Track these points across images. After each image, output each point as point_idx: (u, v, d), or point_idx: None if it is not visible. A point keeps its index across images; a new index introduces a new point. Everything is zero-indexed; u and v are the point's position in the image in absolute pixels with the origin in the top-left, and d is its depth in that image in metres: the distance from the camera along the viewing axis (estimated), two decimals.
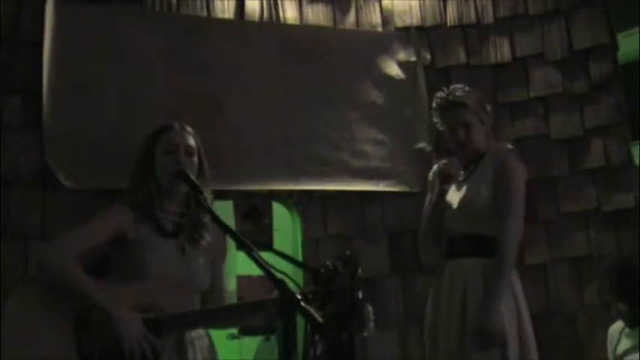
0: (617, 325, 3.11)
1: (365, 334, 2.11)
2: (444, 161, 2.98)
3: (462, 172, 2.93)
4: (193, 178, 2.19)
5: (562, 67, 4.11)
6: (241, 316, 2.28)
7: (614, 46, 4.02)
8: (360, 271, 2.10)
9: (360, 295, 2.05)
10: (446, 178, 2.86)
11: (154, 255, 2.19)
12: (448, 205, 2.87)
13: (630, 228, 3.78)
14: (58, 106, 3.45)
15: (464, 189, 2.84)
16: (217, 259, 2.37)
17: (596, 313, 3.65)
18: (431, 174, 3.02)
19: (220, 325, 2.40)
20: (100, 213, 2.27)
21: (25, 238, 3.30)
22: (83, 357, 2.07)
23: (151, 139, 2.31)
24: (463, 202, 2.81)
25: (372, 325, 2.13)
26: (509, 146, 2.94)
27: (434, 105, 2.97)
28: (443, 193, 2.88)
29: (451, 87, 2.96)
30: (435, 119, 2.98)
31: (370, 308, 2.14)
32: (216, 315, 2.25)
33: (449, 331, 2.72)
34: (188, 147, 2.28)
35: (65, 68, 3.50)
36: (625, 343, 2.98)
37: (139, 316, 2.09)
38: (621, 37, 4.08)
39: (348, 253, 2.10)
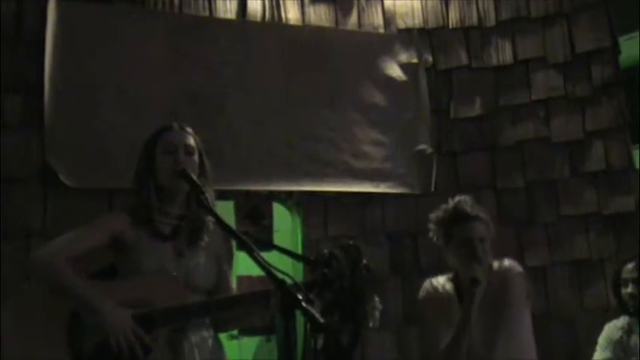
0: (615, 324, 3.19)
1: (370, 325, 2.01)
2: (470, 266, 2.63)
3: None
4: (194, 177, 2.19)
5: (564, 70, 4.11)
6: (237, 308, 2.20)
7: (616, 50, 4.03)
8: (364, 260, 2.01)
9: (366, 284, 1.95)
10: (473, 282, 2.56)
11: (149, 258, 2.19)
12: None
13: (630, 231, 3.78)
14: (59, 105, 3.45)
15: (478, 315, 2.61)
16: (221, 259, 2.34)
17: (595, 316, 3.65)
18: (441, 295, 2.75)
19: (219, 321, 2.31)
20: (95, 219, 2.26)
21: (26, 237, 3.30)
22: (75, 355, 2.08)
23: (150, 141, 2.31)
24: (482, 332, 2.60)
25: (377, 315, 2.02)
26: (509, 264, 2.72)
27: (436, 218, 2.72)
28: (472, 299, 2.57)
29: (456, 200, 2.71)
30: (433, 233, 2.74)
31: (377, 298, 2.05)
32: (210, 307, 2.19)
33: None
34: (187, 146, 2.28)
35: (67, 67, 3.50)
36: None
37: (128, 311, 2.08)
38: (623, 41, 4.09)
39: (350, 242, 2.05)
